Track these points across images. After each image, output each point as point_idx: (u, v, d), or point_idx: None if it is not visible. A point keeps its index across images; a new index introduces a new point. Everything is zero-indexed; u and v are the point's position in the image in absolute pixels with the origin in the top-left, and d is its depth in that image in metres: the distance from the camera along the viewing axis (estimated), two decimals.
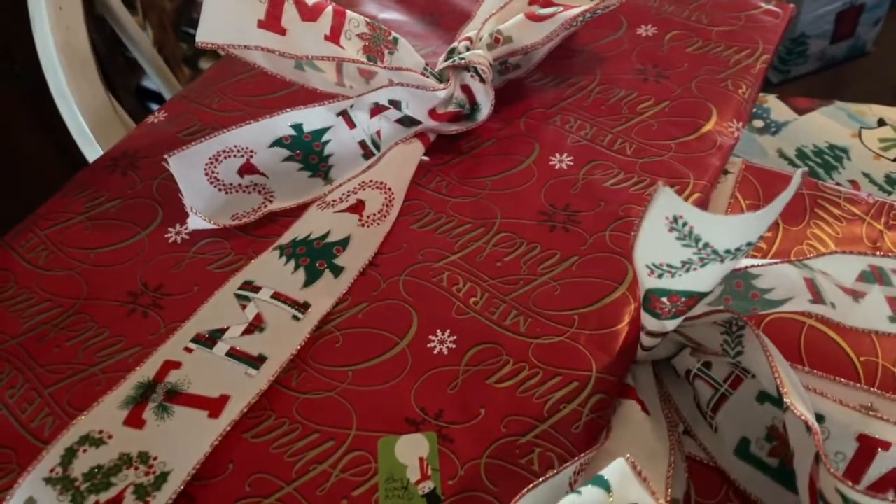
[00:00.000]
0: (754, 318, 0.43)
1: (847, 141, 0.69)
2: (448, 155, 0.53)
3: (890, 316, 0.35)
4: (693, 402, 0.40)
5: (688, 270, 0.31)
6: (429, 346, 0.42)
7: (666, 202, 0.29)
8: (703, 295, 0.33)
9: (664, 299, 0.34)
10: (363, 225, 0.47)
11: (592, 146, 0.52)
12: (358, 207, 0.47)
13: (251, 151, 0.50)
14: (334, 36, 0.46)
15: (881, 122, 0.70)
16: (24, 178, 0.72)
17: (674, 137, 0.52)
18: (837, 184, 0.65)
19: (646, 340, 0.39)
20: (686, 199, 0.47)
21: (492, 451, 0.37)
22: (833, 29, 1.16)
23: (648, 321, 0.36)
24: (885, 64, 1.24)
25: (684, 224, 0.29)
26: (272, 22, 0.44)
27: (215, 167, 0.49)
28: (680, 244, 0.30)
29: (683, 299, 0.33)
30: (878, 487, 0.35)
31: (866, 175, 0.65)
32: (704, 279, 0.32)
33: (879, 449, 0.36)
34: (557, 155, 0.51)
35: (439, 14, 0.66)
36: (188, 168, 0.49)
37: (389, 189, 0.48)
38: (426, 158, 0.52)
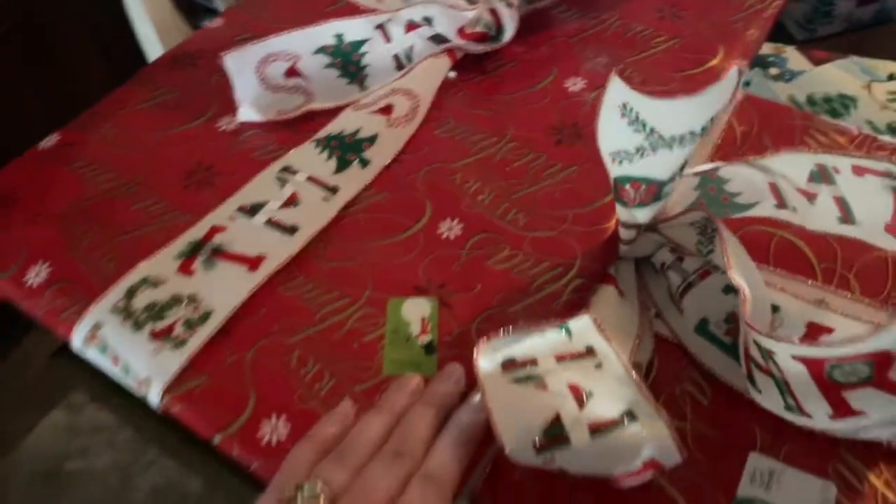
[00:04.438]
0: (729, 224, 0.48)
1: (856, 91, 0.72)
2: (473, 73, 0.58)
3: (839, 217, 0.40)
4: (666, 292, 0.46)
5: (642, 156, 0.36)
6: (438, 231, 0.48)
7: (616, 90, 0.34)
8: (660, 184, 0.38)
9: (627, 186, 0.39)
10: (391, 126, 0.53)
11: (605, 74, 0.57)
12: (387, 110, 0.53)
13: (297, 56, 0.56)
14: None
15: (891, 77, 0.73)
16: (68, 82, 0.78)
17: (681, 70, 0.56)
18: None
19: (623, 233, 0.44)
20: None
21: (484, 317, 0.44)
22: None
23: (620, 212, 0.41)
24: None
25: (632, 110, 0.34)
26: None
27: (264, 68, 0.56)
28: (631, 130, 0.35)
29: (644, 187, 0.38)
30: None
31: (870, 123, 0.68)
32: (659, 166, 0.37)
33: (824, 334, 0.41)
34: (572, 79, 0.56)
35: None
36: (241, 67, 0.55)
37: (416, 96, 0.54)
38: (453, 74, 0.58)
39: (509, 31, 0.57)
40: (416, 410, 0.36)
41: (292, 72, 0.56)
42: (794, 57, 0.78)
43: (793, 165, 0.38)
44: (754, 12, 0.61)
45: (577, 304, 0.44)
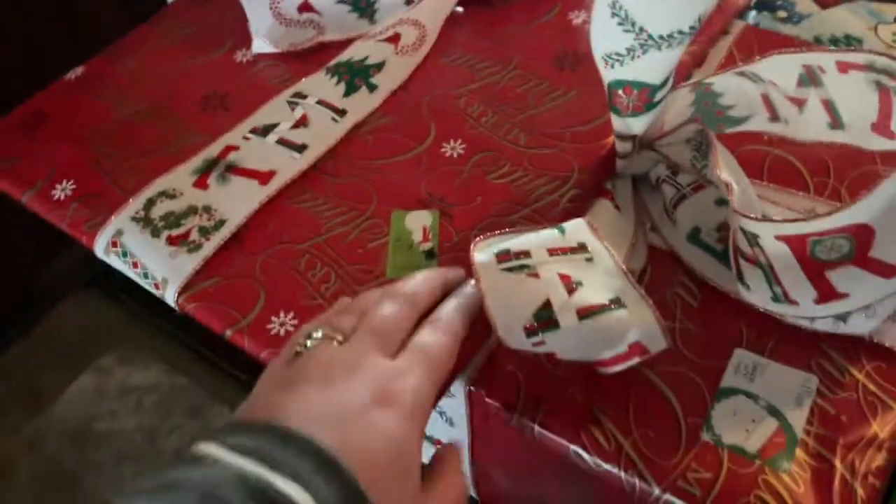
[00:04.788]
0: (724, 140, 0.49)
1: (863, 33, 0.72)
2: (479, 6, 0.60)
3: (829, 122, 0.41)
4: (661, 206, 0.47)
5: (633, 58, 0.38)
6: (442, 150, 0.50)
7: None
8: (653, 88, 0.39)
9: (620, 92, 0.40)
10: (398, 53, 0.54)
11: None
12: (394, 38, 0.55)
13: None
14: None
15: None
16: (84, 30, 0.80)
17: None
18: None
19: (619, 146, 0.45)
20: None
21: (482, 225, 0.46)
22: None
23: (615, 122, 0.43)
24: None
25: (621, 7, 0.35)
26: None
27: (279, 3, 0.58)
28: (621, 30, 0.36)
29: (636, 91, 0.39)
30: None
31: None
32: (649, 69, 0.38)
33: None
34: (575, 11, 0.58)
35: None
36: (256, 2, 0.57)
37: (423, 27, 0.56)
38: (460, 9, 0.59)
39: None
40: (426, 278, 0.36)
41: (305, 6, 0.58)
42: (802, 1, 0.78)
43: (782, 69, 0.39)
44: None
45: (573, 212, 0.46)
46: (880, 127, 0.37)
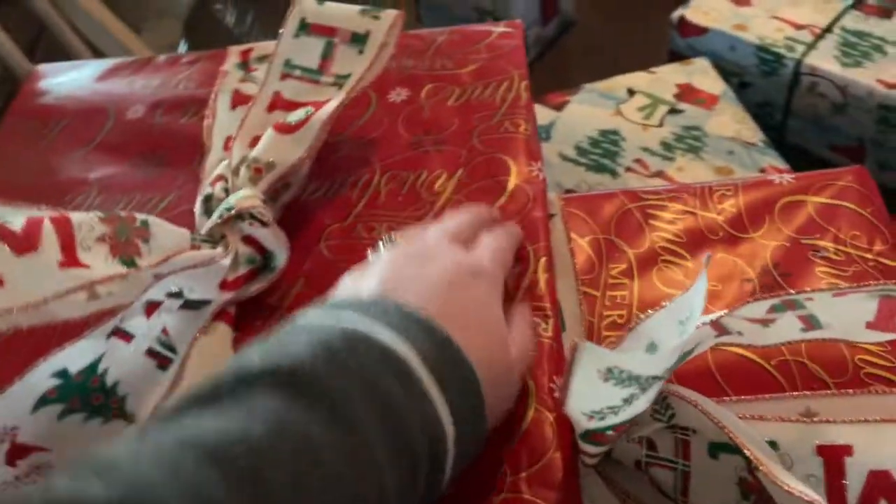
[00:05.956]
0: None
1: (611, 122, 0.70)
2: (257, 320, 0.44)
3: (802, 328, 0.34)
4: (652, 488, 0.36)
5: (630, 402, 0.27)
6: None
7: (591, 359, 0.25)
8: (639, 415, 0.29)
9: (609, 433, 0.29)
10: None
11: None
12: None
13: (13, 429, 0.38)
14: (69, 257, 0.35)
15: (631, 92, 0.73)
16: None
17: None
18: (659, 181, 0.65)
19: (588, 460, 0.34)
20: (536, 269, 0.43)
21: None
22: (540, 13, 1.21)
23: (591, 449, 0.31)
24: (591, 28, 1.31)
25: (620, 371, 0.25)
26: None
27: None
28: (619, 387, 0.26)
29: (627, 425, 0.29)
30: (868, 499, 0.33)
31: (646, 150, 0.66)
32: (644, 402, 0.28)
33: (845, 457, 0.34)
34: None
35: (163, 151, 0.56)
36: None
37: None
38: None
39: (282, 254, 0.44)
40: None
41: (16, 452, 0.37)
42: (537, 109, 0.74)
43: (750, 309, 0.31)
44: (511, 104, 0.54)
45: None
46: (880, 325, 0.30)
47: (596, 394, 0.27)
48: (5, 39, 1.00)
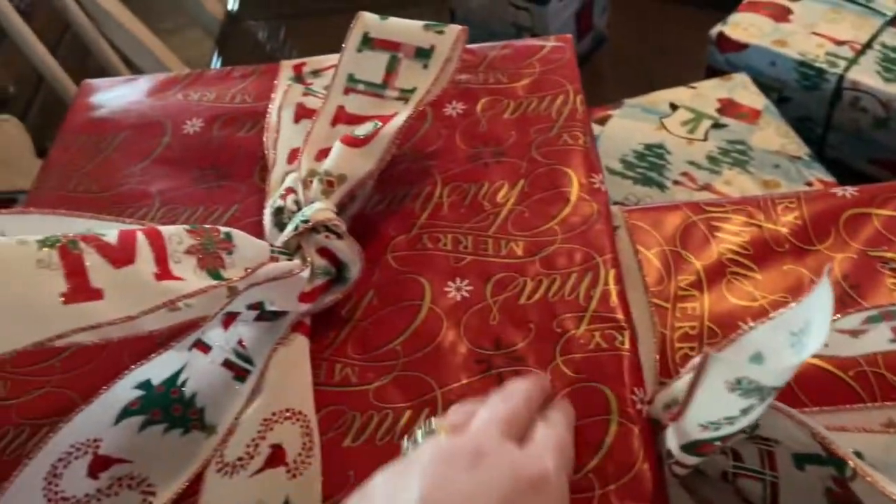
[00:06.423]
0: None
1: (656, 136, 0.71)
2: (332, 331, 0.44)
3: (890, 339, 0.34)
4: (738, 499, 0.36)
5: (747, 413, 0.27)
6: None
7: (720, 369, 0.25)
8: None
9: (717, 443, 0.29)
10: (294, 476, 0.37)
11: (479, 259, 0.46)
12: (278, 457, 0.37)
13: (96, 442, 0.38)
14: (163, 270, 0.35)
15: (673, 107, 0.74)
16: None
17: (552, 217, 0.48)
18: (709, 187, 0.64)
19: (680, 471, 0.34)
20: (607, 282, 0.43)
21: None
22: (576, 28, 1.22)
23: (691, 460, 0.32)
24: (622, 44, 1.33)
25: (750, 382, 0.25)
26: (80, 289, 0.32)
27: (56, 485, 0.36)
28: (742, 397, 0.26)
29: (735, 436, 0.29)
30: None
31: (692, 163, 0.67)
32: (759, 411, 0.28)
33: None
34: (451, 283, 0.45)
35: (222, 164, 0.57)
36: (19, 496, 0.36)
37: (300, 413, 0.39)
38: None
39: (356, 265, 0.44)
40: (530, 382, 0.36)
41: (99, 464, 0.38)
42: None
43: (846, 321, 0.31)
44: (568, 117, 0.54)
45: None
46: None
47: (718, 404, 0.27)
48: (45, 53, 1.02)
